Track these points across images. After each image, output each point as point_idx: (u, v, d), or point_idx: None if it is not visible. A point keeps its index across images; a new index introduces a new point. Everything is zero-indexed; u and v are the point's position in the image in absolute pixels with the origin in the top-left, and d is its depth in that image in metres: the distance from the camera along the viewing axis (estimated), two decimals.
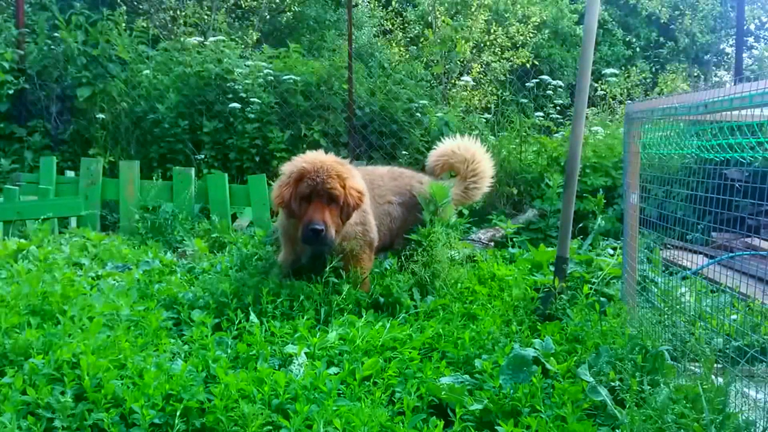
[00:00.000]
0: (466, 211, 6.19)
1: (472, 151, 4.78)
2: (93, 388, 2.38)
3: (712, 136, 2.49)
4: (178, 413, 2.29)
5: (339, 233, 3.91)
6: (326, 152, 4.05)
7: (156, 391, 2.37)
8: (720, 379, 2.24)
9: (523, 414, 2.40)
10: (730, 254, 4.58)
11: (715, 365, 2.43)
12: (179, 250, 5.56)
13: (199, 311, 3.49)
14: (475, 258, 4.98)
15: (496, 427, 2.33)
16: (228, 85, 8.13)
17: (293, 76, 8.11)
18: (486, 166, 4.82)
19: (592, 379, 2.55)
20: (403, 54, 12.03)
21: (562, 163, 6.88)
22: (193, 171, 6.79)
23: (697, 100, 2.40)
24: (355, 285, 3.87)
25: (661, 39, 17.59)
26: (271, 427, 2.33)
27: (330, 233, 3.76)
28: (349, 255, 4.01)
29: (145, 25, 9.58)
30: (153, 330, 3.11)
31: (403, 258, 4.33)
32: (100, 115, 8.06)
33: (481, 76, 11.60)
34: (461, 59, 10.47)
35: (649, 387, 2.41)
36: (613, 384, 2.54)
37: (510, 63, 12.14)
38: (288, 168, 3.96)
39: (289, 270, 4.10)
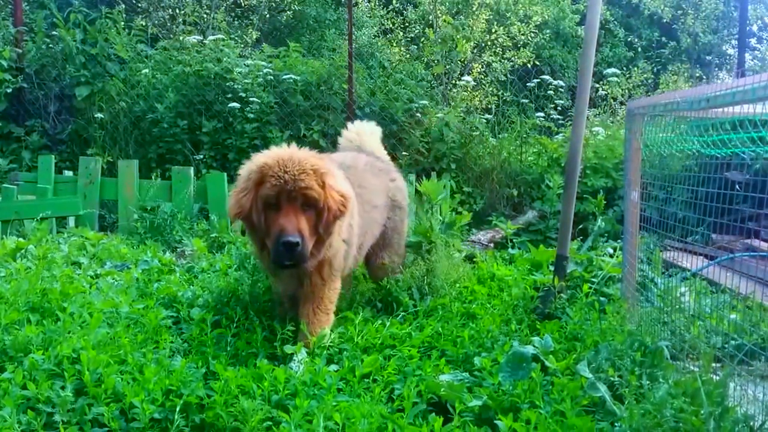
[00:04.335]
0: (466, 212, 6.19)
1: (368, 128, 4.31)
2: (93, 383, 2.39)
3: (714, 132, 2.49)
4: (177, 408, 2.30)
5: (319, 251, 3.03)
6: (322, 153, 3.21)
7: (156, 386, 2.37)
8: (719, 375, 2.24)
9: (522, 410, 2.39)
10: (731, 255, 4.58)
11: (715, 364, 2.42)
12: (178, 249, 5.56)
13: (199, 309, 3.48)
14: (474, 258, 4.98)
15: (495, 422, 2.33)
16: (227, 84, 8.12)
17: (293, 76, 8.10)
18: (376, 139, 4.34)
19: (591, 376, 2.55)
20: (404, 54, 12.00)
21: (563, 165, 6.88)
22: (192, 170, 6.78)
23: (699, 95, 2.40)
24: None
25: (663, 39, 17.56)
26: (270, 423, 2.33)
27: (306, 248, 2.87)
28: (317, 278, 3.17)
29: (144, 24, 9.58)
30: (152, 327, 3.11)
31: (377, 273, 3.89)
32: (99, 115, 8.04)
33: (482, 77, 11.57)
34: (462, 59, 10.46)
35: (648, 383, 2.41)
36: (612, 380, 2.54)
37: (511, 63, 12.11)
38: (246, 169, 3.03)
39: (285, 299, 3.40)
